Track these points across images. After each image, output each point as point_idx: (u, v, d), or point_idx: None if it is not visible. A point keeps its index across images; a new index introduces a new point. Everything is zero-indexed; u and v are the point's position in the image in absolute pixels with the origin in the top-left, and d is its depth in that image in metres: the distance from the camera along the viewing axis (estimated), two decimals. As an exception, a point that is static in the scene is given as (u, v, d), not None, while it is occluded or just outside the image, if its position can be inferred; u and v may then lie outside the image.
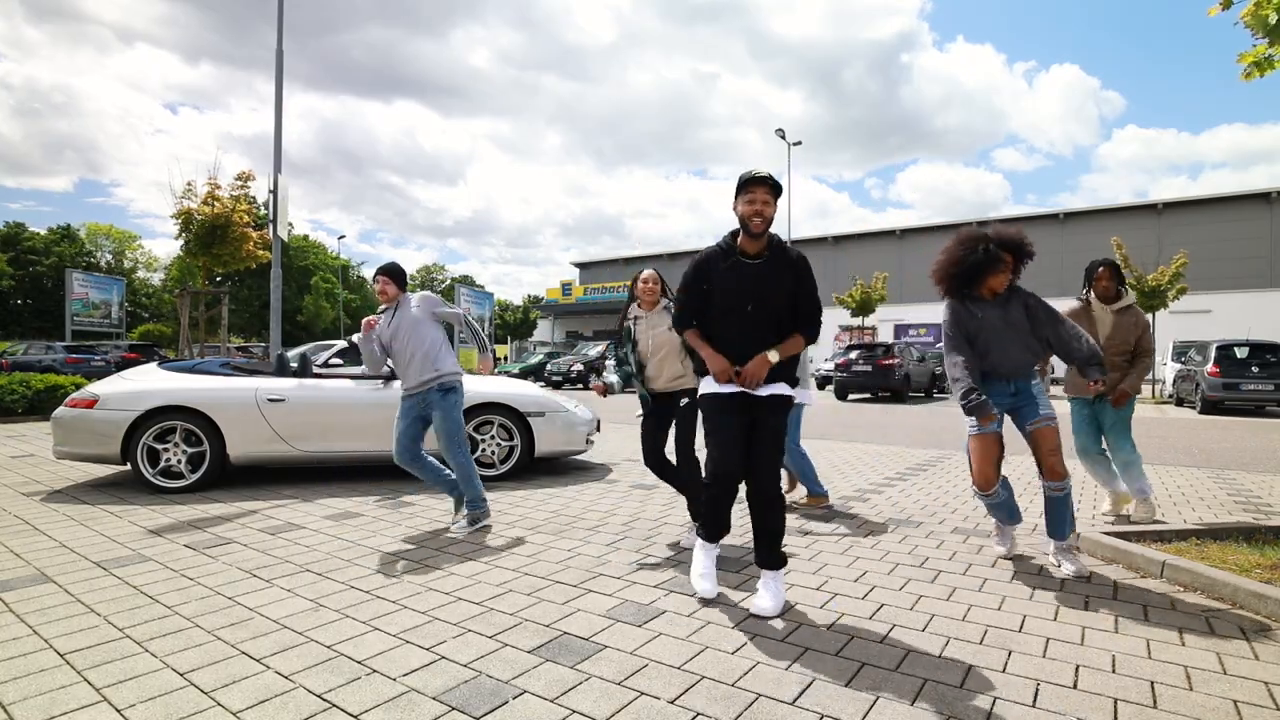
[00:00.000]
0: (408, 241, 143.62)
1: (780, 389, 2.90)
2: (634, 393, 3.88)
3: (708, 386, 2.94)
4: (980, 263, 3.28)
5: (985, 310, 3.37)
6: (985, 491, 3.42)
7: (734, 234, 2.94)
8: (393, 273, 4.12)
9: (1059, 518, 3.37)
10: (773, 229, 2.90)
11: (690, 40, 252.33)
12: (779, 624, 2.67)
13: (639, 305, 3.83)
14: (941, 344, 3.60)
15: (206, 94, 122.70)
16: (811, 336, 2.99)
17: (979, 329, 3.37)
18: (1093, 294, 4.36)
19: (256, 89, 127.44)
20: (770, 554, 2.88)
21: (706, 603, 2.89)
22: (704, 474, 2.95)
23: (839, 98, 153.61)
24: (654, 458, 3.86)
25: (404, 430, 4.09)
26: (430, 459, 4.19)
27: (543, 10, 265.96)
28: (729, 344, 2.90)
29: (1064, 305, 4.38)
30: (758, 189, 2.82)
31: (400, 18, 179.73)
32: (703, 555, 3.05)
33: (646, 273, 3.84)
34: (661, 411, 3.83)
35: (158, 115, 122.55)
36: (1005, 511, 3.52)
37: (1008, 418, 3.46)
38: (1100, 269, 4.30)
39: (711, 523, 3.01)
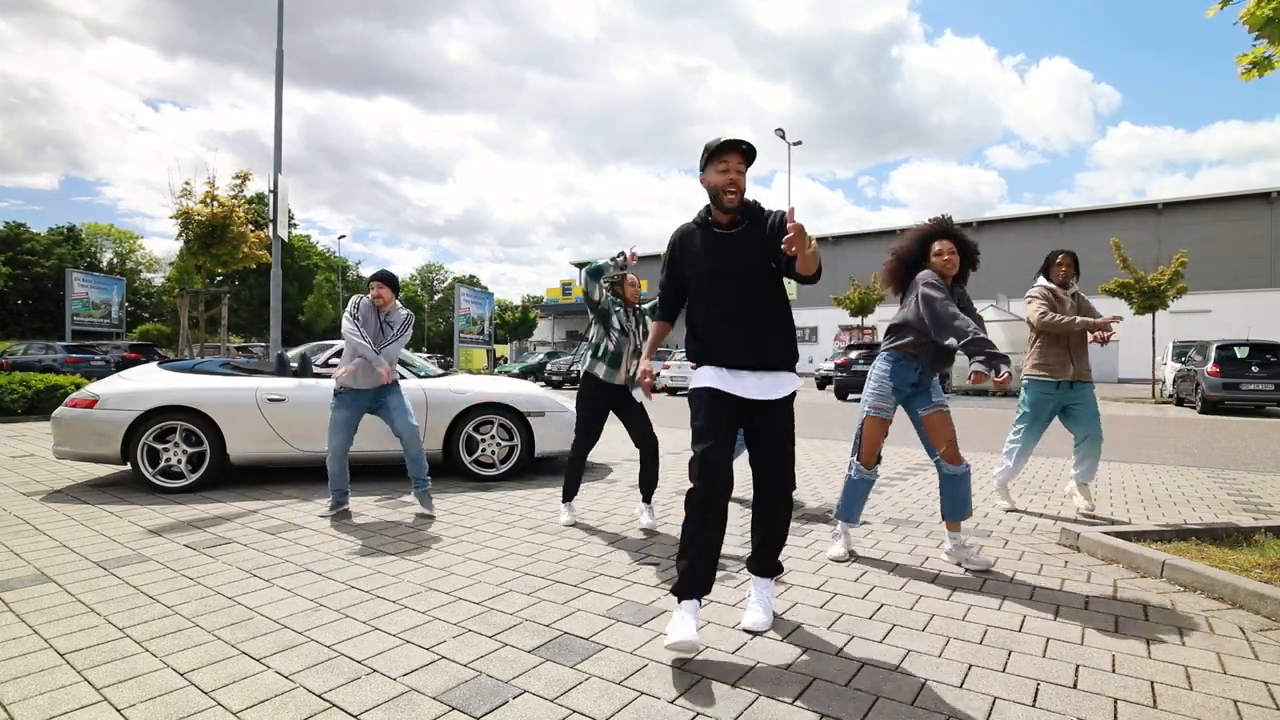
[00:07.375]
0: (401, 240, 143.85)
1: (782, 386, 2.56)
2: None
3: (702, 380, 2.57)
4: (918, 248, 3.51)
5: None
6: (869, 468, 3.51)
7: (708, 209, 2.60)
8: (390, 281, 4.52)
9: (962, 496, 3.43)
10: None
11: (673, 34, 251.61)
12: (779, 624, 2.67)
13: (622, 300, 4.26)
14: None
15: (186, 90, 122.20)
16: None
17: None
18: (1055, 280, 4.53)
19: (235, 85, 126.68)
20: (766, 559, 2.68)
21: (707, 602, 2.88)
22: (692, 483, 2.43)
23: (830, 93, 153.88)
24: (586, 449, 4.22)
25: (350, 421, 4.41)
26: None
27: (521, 4, 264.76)
28: (708, 327, 2.58)
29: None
30: (730, 156, 2.47)
31: (377, 12, 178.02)
32: (680, 619, 2.33)
33: (632, 275, 4.30)
34: (614, 404, 4.22)
35: (139, 112, 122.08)
36: (862, 500, 3.58)
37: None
38: (1061, 256, 4.55)
39: (690, 570, 2.36)
